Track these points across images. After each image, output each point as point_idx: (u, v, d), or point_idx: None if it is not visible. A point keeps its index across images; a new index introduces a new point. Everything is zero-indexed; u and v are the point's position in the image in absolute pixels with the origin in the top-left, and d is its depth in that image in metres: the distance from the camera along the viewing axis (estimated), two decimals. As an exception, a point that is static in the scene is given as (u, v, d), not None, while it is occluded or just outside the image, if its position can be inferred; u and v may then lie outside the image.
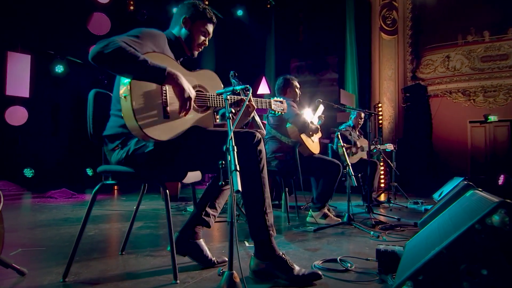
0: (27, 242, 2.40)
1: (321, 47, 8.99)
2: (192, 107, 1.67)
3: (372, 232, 2.72)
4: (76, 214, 3.60)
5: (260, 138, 1.79)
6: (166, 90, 1.64)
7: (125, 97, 1.53)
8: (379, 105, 8.36)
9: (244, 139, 1.74)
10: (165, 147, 1.66)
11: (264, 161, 1.77)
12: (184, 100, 1.63)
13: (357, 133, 4.99)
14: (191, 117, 1.75)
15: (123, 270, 1.81)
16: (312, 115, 3.56)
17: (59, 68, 6.69)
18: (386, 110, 9.24)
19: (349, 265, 1.92)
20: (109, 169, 1.71)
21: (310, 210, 3.35)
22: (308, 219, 3.34)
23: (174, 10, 1.95)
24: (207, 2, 7.79)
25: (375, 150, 5.26)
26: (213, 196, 1.99)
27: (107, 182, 1.70)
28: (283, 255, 1.72)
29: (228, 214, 1.32)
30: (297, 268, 1.70)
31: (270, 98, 2.14)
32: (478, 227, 1.14)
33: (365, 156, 4.84)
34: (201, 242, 1.91)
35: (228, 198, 2.06)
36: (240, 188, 1.22)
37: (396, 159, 8.44)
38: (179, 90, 1.61)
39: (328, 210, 3.78)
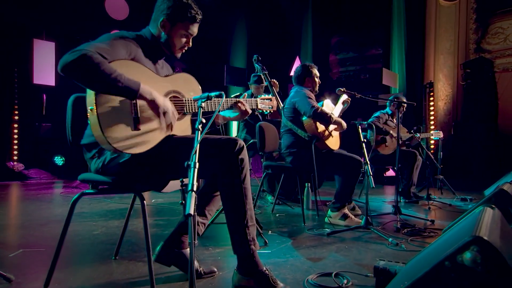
0: (32, 241, 2.62)
1: (366, 19, 8.58)
2: (174, 120, 1.73)
3: (390, 239, 2.64)
4: (92, 208, 3.85)
5: (243, 146, 1.79)
6: (136, 101, 1.68)
7: (91, 109, 1.59)
8: (432, 83, 7.88)
9: (225, 146, 1.75)
10: (141, 157, 1.71)
11: (246, 170, 1.78)
12: (160, 115, 1.69)
13: (395, 121, 4.78)
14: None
15: (109, 278, 1.92)
16: (332, 106, 3.47)
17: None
18: (442, 89, 8.71)
19: (345, 281, 1.90)
20: (88, 178, 1.80)
21: (329, 209, 3.31)
22: (327, 219, 3.31)
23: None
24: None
25: (423, 141, 5.03)
26: (202, 203, 2.03)
27: (87, 191, 1.80)
28: (266, 271, 1.74)
29: (189, 235, 1.34)
30: (280, 285, 1.72)
31: (257, 97, 2.15)
32: (448, 265, 1.08)
33: (403, 146, 4.65)
34: (188, 251, 1.97)
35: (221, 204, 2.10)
36: (192, 212, 1.24)
37: (452, 145, 7.98)
38: (154, 106, 1.67)
39: (354, 208, 3.73)
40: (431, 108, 7.90)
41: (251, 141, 4.34)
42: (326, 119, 3.14)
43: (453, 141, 8.13)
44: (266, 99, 2.22)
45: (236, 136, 5.09)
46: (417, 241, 2.71)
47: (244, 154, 1.79)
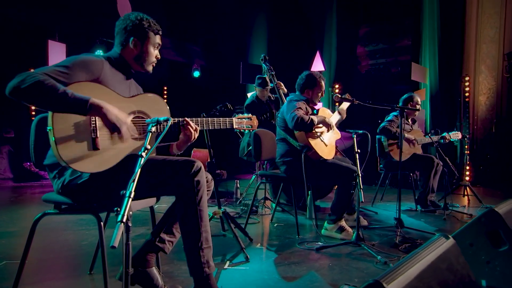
0: (19, 252, 2.82)
1: (397, 5, 8.34)
2: (128, 135, 1.84)
3: (379, 257, 2.66)
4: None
5: (200, 168, 1.88)
6: (95, 120, 1.81)
7: (49, 130, 1.73)
8: (467, 78, 7.58)
9: (181, 169, 1.86)
10: (100, 178, 1.85)
11: (202, 192, 1.88)
12: (113, 130, 1.79)
13: (410, 123, 4.69)
14: (128, 146, 1.90)
15: (75, 294, 2.09)
16: (330, 113, 3.48)
17: (99, 53, 7.34)
18: (484, 82, 8.34)
19: (307, 306, 1.96)
20: (49, 198, 1.97)
21: (326, 222, 3.34)
22: (323, 232, 3.34)
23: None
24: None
25: (457, 142, 4.89)
26: (170, 221, 2.14)
27: (49, 211, 1.96)
28: (221, 294, 1.84)
29: (124, 263, 1.45)
30: (234, 309, 1.81)
31: (233, 116, 2.21)
32: (350, 308, 1.13)
33: (419, 151, 4.56)
34: (153, 270, 2.09)
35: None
36: (115, 244, 1.34)
37: (492, 145, 7.63)
38: (106, 121, 1.78)
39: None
40: (467, 103, 7.61)
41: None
42: (307, 126, 3.14)
43: (494, 140, 7.81)
44: (246, 118, 2.27)
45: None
46: (410, 260, 2.70)
47: (201, 176, 1.88)
